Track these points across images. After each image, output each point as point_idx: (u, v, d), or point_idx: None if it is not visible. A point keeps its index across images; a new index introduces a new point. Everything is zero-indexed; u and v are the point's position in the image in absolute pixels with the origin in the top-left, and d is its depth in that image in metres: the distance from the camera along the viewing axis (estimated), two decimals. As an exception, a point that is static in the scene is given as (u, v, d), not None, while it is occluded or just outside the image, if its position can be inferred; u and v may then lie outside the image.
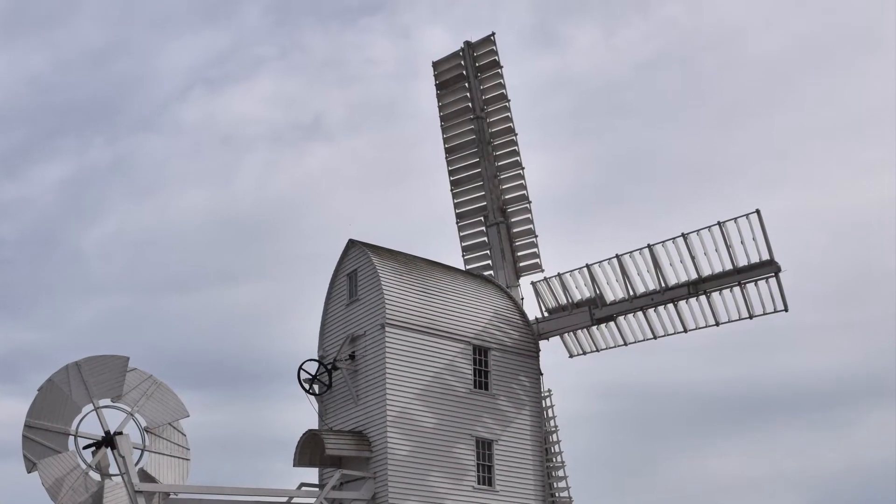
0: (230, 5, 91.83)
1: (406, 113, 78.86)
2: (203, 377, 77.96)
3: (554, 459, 39.62)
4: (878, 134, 74.34)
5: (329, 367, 37.63)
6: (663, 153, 77.87)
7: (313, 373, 37.92)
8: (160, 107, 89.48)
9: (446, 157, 43.63)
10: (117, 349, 35.79)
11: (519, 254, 42.33)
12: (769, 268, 35.86)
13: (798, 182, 77.58)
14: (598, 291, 38.97)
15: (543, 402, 39.70)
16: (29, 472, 33.76)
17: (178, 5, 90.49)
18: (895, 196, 70.14)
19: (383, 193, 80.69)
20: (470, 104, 43.02)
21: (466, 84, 43.10)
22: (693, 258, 36.86)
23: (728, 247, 36.19)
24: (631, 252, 37.81)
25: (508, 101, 42.49)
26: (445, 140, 43.69)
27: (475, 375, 37.98)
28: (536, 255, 42.04)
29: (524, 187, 42.38)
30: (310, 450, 36.40)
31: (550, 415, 39.93)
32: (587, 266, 38.80)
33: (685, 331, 38.28)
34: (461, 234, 43.39)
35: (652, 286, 37.93)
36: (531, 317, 40.53)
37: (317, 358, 38.67)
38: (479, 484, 36.96)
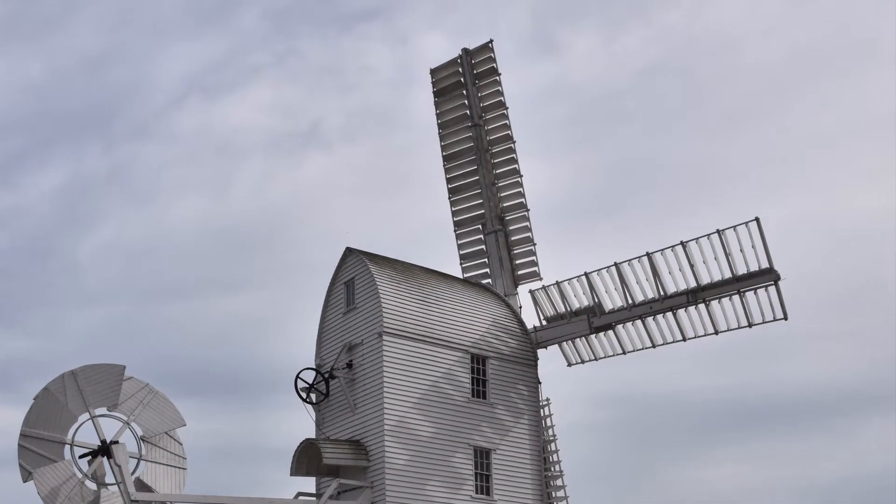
0: (226, 12, 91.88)
1: (404, 120, 78.87)
2: (200, 386, 77.91)
3: (552, 468, 39.47)
4: (878, 141, 74.32)
5: (326, 375, 37.50)
6: (662, 161, 77.84)
7: (310, 381, 37.80)
8: (156, 115, 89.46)
9: (444, 165, 43.52)
10: (113, 358, 35.87)
11: (517, 262, 42.17)
12: (768, 276, 35.78)
13: (797, 190, 77.61)
14: (596, 300, 38.85)
15: (542, 410, 39.55)
16: (25, 481, 33.69)
17: (174, 13, 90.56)
18: (895, 204, 70.12)
19: (381, 201, 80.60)
20: (468, 111, 42.92)
21: (464, 91, 43.02)
22: (692, 266, 36.77)
23: (727, 255, 36.11)
24: (630, 260, 37.74)
25: (507, 108, 42.38)
26: (443, 148, 43.58)
27: (473, 384, 37.84)
28: (535, 264, 41.89)
29: (522, 195, 42.25)
30: (307, 459, 36.21)
31: (549, 424, 39.78)
32: (586, 274, 38.70)
33: (684, 339, 38.19)
34: (459, 242, 43.23)
35: (651, 294, 37.82)
36: (529, 325, 40.40)
37: (314, 366, 38.55)
38: (476, 493, 36.80)
